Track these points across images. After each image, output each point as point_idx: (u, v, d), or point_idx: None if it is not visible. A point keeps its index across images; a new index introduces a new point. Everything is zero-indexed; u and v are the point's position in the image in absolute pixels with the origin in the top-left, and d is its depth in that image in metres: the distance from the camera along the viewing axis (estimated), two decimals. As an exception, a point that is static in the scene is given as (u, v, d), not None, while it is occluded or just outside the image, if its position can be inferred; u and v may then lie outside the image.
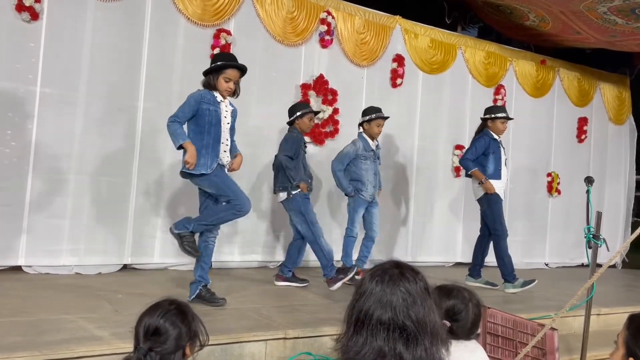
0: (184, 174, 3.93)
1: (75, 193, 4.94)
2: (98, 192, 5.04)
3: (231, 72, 3.96)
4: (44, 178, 4.81)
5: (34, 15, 4.71)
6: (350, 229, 5.33)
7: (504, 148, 5.71)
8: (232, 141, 4.12)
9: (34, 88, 4.76)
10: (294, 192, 4.75)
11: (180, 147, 3.79)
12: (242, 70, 4.03)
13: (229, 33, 5.63)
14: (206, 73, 3.99)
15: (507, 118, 5.66)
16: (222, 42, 5.57)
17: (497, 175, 5.54)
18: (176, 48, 5.42)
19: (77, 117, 4.95)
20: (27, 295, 3.97)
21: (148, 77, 5.25)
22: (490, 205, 5.52)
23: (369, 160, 5.28)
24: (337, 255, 6.13)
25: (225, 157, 3.99)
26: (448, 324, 2.03)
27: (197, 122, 3.88)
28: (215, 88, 3.96)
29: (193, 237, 3.89)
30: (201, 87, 4.01)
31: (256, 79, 5.84)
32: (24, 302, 3.74)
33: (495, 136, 5.62)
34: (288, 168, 4.75)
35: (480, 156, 5.54)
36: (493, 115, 5.63)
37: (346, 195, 5.33)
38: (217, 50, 5.53)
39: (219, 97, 3.98)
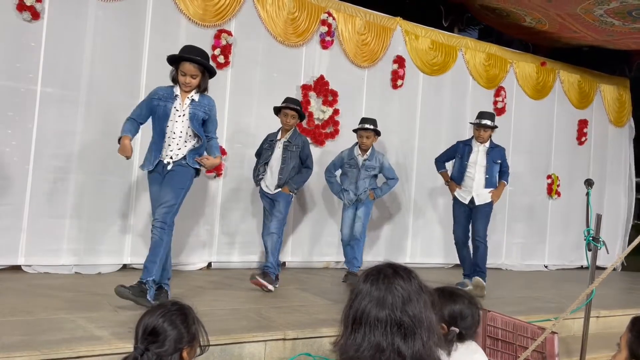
0: (143, 169, 4.02)
1: (75, 192, 4.94)
2: (98, 191, 5.04)
3: (186, 66, 3.80)
4: (44, 177, 4.80)
5: (35, 15, 4.71)
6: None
7: (492, 156, 5.53)
8: (212, 141, 3.96)
9: (35, 87, 4.76)
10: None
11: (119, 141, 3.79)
12: (197, 62, 3.78)
13: (229, 33, 5.63)
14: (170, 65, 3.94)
15: (477, 125, 5.53)
16: (223, 42, 5.57)
17: (459, 179, 5.57)
18: (177, 48, 5.34)
19: (78, 117, 4.95)
20: (27, 294, 3.97)
21: (148, 77, 5.24)
22: (453, 208, 5.68)
23: (352, 168, 5.39)
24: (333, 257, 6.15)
25: (171, 151, 3.83)
26: (457, 330, 2.03)
27: (152, 118, 3.91)
28: (177, 82, 3.89)
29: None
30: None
31: (257, 79, 5.85)
32: (23, 301, 3.74)
33: (474, 142, 5.58)
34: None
35: (452, 159, 5.72)
36: (473, 122, 5.71)
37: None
38: (217, 51, 5.54)
39: (177, 91, 3.86)
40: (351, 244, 5.34)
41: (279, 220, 4.82)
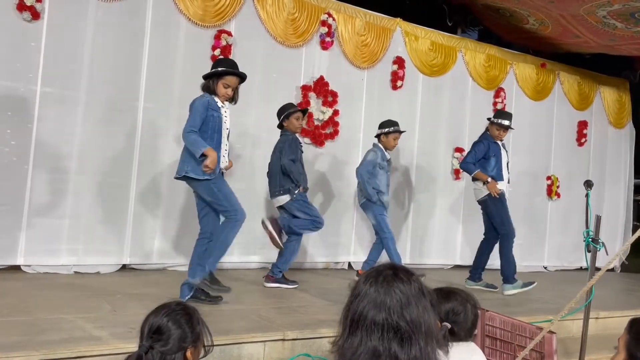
0: (185, 178, 3.95)
1: (75, 193, 4.94)
2: (97, 192, 5.04)
3: (231, 79, 3.99)
4: (43, 178, 4.81)
5: (35, 15, 4.72)
6: (385, 233, 5.36)
7: (507, 151, 5.77)
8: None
9: (35, 87, 4.76)
10: (296, 193, 4.85)
11: (202, 155, 3.77)
12: (242, 78, 4.07)
13: (229, 34, 5.63)
14: (206, 77, 4.01)
15: (501, 125, 5.61)
16: (223, 43, 5.57)
17: (499, 177, 5.59)
18: (177, 48, 5.43)
19: (77, 117, 4.96)
20: (26, 294, 3.97)
21: (148, 78, 5.26)
22: (496, 206, 5.55)
23: (384, 171, 5.41)
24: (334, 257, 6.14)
25: (224, 162, 4.04)
26: (449, 325, 2.04)
27: (202, 128, 3.89)
28: (214, 92, 3.98)
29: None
30: (201, 90, 4.03)
31: (256, 80, 5.85)
32: (22, 301, 3.74)
33: (497, 140, 5.64)
34: (292, 172, 4.83)
35: (481, 159, 5.58)
36: (493, 119, 5.69)
37: (369, 201, 5.34)
38: (217, 51, 5.54)
39: (219, 103, 4.01)
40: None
41: (306, 222, 5.00)
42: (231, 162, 4.19)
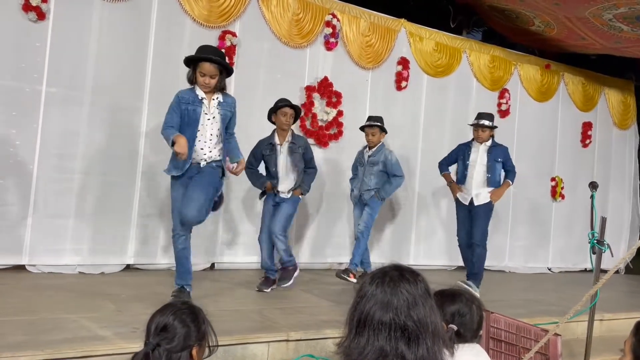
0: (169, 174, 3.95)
1: (79, 192, 4.95)
2: (102, 191, 5.05)
3: (204, 67, 3.81)
4: (48, 177, 4.82)
5: (41, 15, 4.73)
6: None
7: (493, 156, 5.54)
8: (232, 139, 4.10)
9: (40, 87, 4.78)
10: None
11: (172, 144, 3.69)
12: (214, 62, 3.81)
13: (234, 34, 5.64)
14: (187, 66, 3.93)
15: (474, 125, 5.61)
16: (228, 43, 5.58)
17: (460, 181, 5.65)
18: (181, 49, 5.41)
19: (82, 117, 4.97)
20: (31, 294, 3.98)
21: (153, 78, 5.26)
22: (456, 209, 5.70)
23: (360, 166, 5.49)
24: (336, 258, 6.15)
25: (204, 154, 3.90)
26: (455, 327, 2.04)
27: (182, 124, 3.84)
28: (196, 83, 3.90)
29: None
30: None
31: (261, 80, 5.86)
32: (27, 301, 3.75)
33: (474, 143, 5.62)
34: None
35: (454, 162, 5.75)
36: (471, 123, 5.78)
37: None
38: (222, 52, 5.53)
39: (201, 94, 3.89)
40: (355, 242, 5.40)
41: (288, 221, 4.86)
42: (243, 162, 4.13)
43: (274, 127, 4.90)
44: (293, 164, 4.84)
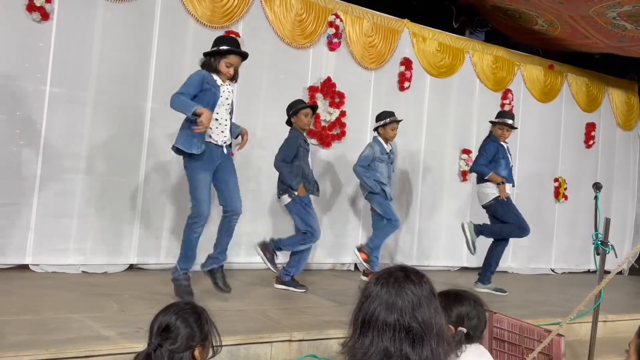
0: (178, 150, 3.87)
1: (83, 192, 4.96)
2: (105, 191, 5.06)
3: (234, 59, 3.96)
4: (51, 177, 4.83)
5: (45, 16, 4.74)
6: (391, 220, 5.43)
7: (510, 154, 5.74)
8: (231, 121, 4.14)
9: (43, 87, 4.79)
10: (294, 195, 4.79)
11: (194, 115, 3.63)
12: (245, 57, 4.05)
13: (237, 35, 5.63)
14: (207, 54, 3.97)
15: (505, 124, 5.61)
16: (231, 43, 5.58)
17: (509, 180, 5.58)
18: (185, 49, 5.44)
19: (86, 117, 4.98)
20: (34, 293, 3.99)
21: (156, 78, 5.27)
22: (504, 208, 5.53)
23: (384, 164, 5.46)
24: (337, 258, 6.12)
25: (222, 137, 3.96)
26: (465, 330, 2.03)
27: (197, 102, 3.80)
28: (215, 71, 3.94)
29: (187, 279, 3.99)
30: (199, 66, 4.02)
31: (264, 81, 5.86)
32: (31, 300, 3.76)
33: (502, 142, 5.63)
34: (281, 172, 4.82)
35: (492, 161, 5.57)
36: (495, 120, 5.70)
37: (372, 193, 5.43)
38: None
39: (219, 81, 3.96)
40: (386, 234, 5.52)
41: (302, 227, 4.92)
42: (245, 134, 4.18)
43: (286, 127, 5.01)
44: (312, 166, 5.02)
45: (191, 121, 3.72)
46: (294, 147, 4.83)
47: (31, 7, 4.68)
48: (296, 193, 4.78)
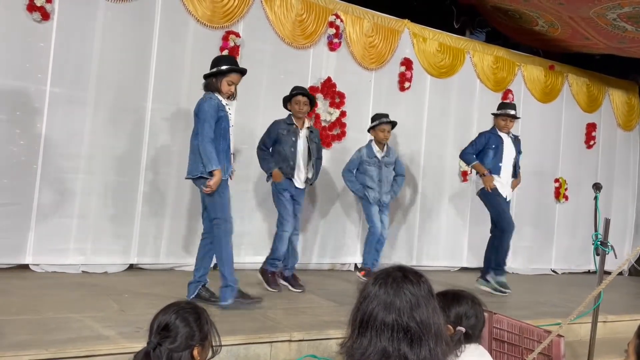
0: (193, 178, 3.94)
1: (83, 192, 4.96)
2: (106, 191, 5.06)
3: (235, 77, 4.01)
4: (52, 177, 4.83)
5: (45, 16, 4.74)
6: (370, 226, 5.53)
7: (516, 146, 5.65)
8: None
9: (44, 87, 4.79)
10: (269, 182, 4.87)
11: (209, 173, 3.77)
12: (244, 74, 4.11)
13: (237, 35, 5.64)
14: (209, 76, 3.99)
15: (507, 115, 5.59)
16: (231, 44, 5.58)
17: (495, 171, 5.51)
18: (185, 49, 5.44)
19: (86, 117, 4.98)
20: (35, 293, 3.99)
21: (157, 78, 5.27)
22: (489, 200, 5.50)
23: (374, 167, 5.47)
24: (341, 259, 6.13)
25: (231, 165, 4.08)
26: (463, 330, 2.04)
27: (215, 131, 3.87)
28: (217, 90, 3.96)
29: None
30: (203, 89, 4.04)
31: (264, 81, 5.86)
32: (31, 300, 3.76)
33: (500, 133, 5.60)
34: (258, 158, 4.88)
35: (481, 152, 5.54)
36: (497, 112, 5.70)
37: (359, 197, 5.59)
38: (225, 52, 5.55)
39: (224, 101, 4.00)
40: (380, 241, 5.49)
41: (299, 219, 4.96)
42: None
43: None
44: (311, 152, 4.91)
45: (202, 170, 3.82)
46: (271, 133, 4.86)
47: (32, 7, 4.68)
48: (271, 179, 4.82)
